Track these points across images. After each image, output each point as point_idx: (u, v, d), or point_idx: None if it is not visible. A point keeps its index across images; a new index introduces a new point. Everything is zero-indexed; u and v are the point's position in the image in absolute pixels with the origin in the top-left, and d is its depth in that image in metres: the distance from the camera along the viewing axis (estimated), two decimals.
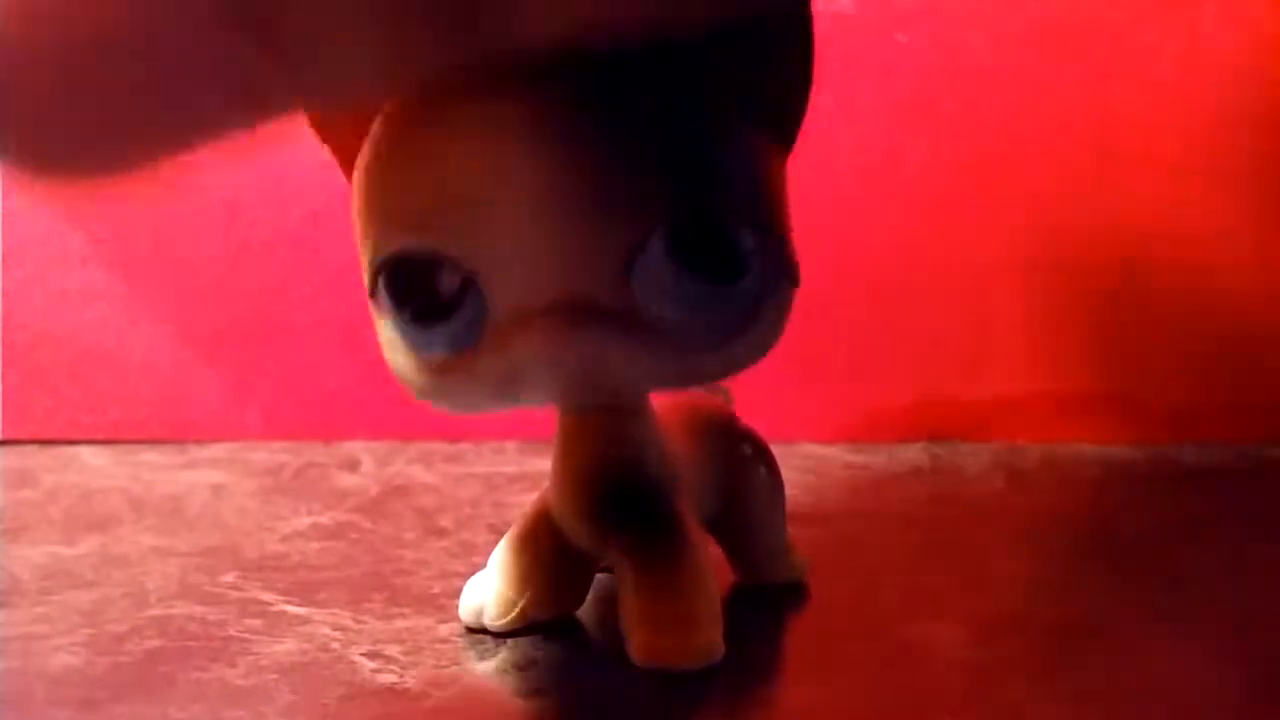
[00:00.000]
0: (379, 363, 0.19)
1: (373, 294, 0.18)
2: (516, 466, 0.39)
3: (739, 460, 0.24)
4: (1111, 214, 0.41)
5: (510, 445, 0.42)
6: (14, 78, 0.10)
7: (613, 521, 0.21)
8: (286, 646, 0.22)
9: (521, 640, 0.22)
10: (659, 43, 0.14)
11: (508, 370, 0.17)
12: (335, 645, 0.22)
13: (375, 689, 0.20)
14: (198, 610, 0.24)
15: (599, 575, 0.23)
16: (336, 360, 0.43)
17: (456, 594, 0.23)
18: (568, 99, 0.16)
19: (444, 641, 0.22)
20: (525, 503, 0.23)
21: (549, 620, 0.22)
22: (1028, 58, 0.41)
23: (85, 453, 0.43)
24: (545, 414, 0.20)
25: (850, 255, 0.42)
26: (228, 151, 0.12)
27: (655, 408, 0.22)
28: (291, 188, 0.44)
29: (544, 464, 0.22)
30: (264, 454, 0.42)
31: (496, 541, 0.23)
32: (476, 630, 0.22)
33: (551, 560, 0.22)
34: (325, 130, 0.19)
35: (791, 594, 0.24)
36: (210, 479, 0.38)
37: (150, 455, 0.42)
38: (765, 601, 0.24)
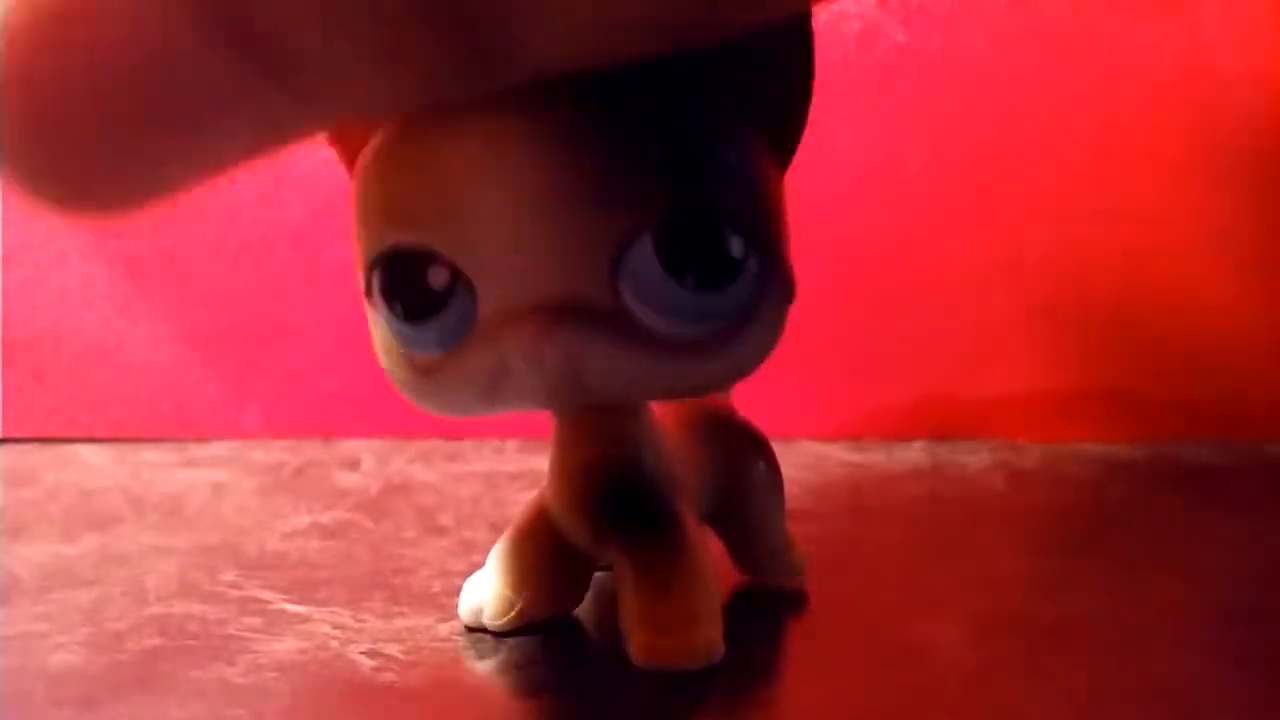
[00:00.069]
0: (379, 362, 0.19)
1: (367, 293, 0.18)
2: (517, 465, 0.39)
3: (738, 455, 0.24)
4: (1111, 214, 0.41)
5: (511, 444, 0.42)
6: (39, 110, 0.10)
7: (611, 520, 0.21)
8: (286, 645, 0.22)
9: (521, 640, 0.22)
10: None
11: (495, 368, 0.17)
12: (335, 644, 0.22)
13: (375, 688, 0.20)
14: (197, 609, 0.24)
15: (598, 574, 0.23)
16: (336, 360, 0.43)
17: (457, 592, 0.23)
18: (566, 97, 0.16)
19: (444, 640, 0.22)
20: (526, 501, 0.23)
21: (548, 619, 0.22)
22: (1028, 58, 0.41)
23: (85, 451, 0.43)
24: (544, 413, 0.20)
25: (850, 253, 0.42)
26: (239, 173, 0.12)
27: (653, 404, 0.21)
28: (291, 187, 0.44)
29: (544, 462, 0.22)
30: (264, 453, 0.42)
31: (497, 540, 0.22)
32: (476, 629, 0.22)
33: (550, 559, 0.22)
34: (333, 133, 0.19)
35: (791, 593, 0.24)
36: (210, 477, 0.38)
37: (150, 454, 0.42)
38: (765, 601, 0.24)
